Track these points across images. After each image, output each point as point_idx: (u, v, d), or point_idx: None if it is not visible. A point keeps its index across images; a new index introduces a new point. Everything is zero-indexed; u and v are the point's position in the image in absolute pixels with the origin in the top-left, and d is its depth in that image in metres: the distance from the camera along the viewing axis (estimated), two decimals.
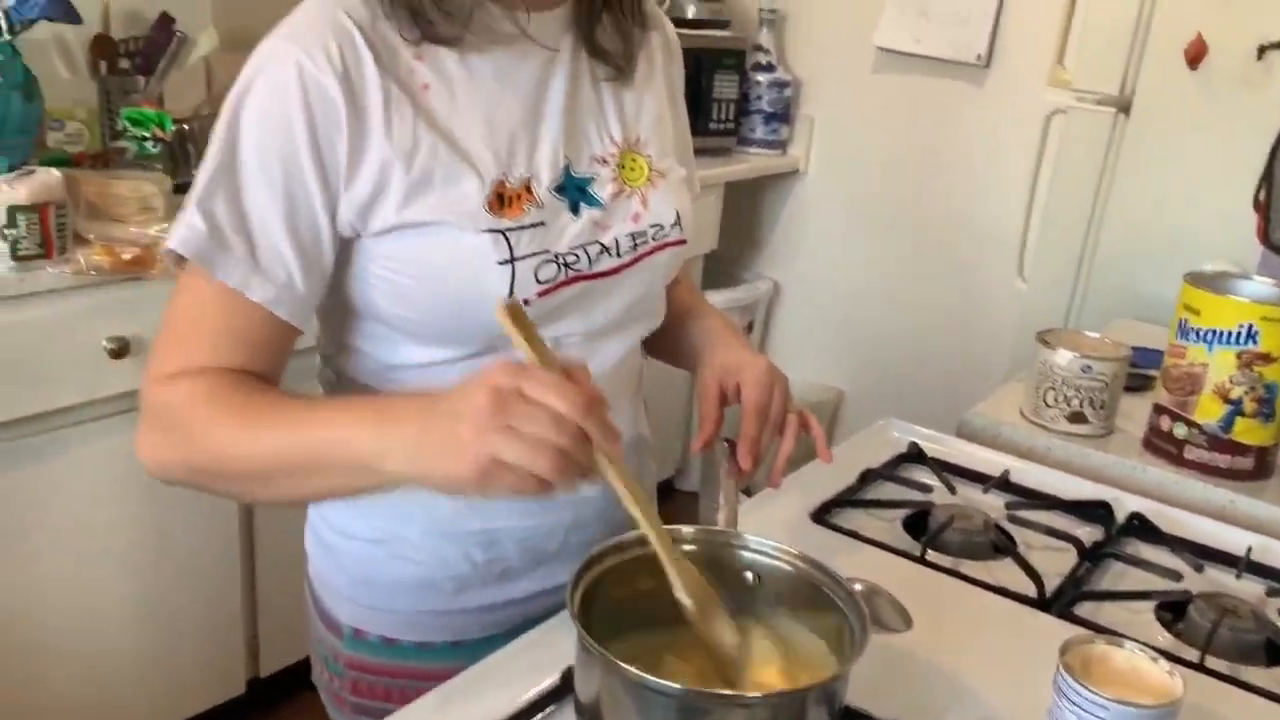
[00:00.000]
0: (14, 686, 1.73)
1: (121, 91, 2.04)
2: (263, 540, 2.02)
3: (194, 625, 1.97)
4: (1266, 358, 1.26)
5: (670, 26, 1.06)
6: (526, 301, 0.86)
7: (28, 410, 1.64)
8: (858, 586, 0.90)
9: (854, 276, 3.10)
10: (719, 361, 1.04)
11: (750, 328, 3.21)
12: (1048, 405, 1.40)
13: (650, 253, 0.95)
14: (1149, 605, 1.04)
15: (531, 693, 0.82)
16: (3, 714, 1.73)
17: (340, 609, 1.01)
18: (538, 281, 0.87)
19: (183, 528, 1.89)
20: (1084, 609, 1.02)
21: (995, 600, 1.02)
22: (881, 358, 3.10)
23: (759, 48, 3.02)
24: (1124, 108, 2.06)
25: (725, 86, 2.92)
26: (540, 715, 0.81)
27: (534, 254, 0.87)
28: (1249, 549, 1.14)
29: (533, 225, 0.87)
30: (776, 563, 0.83)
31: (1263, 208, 1.84)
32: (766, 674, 0.79)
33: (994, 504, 1.21)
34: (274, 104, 0.81)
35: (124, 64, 2.07)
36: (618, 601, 0.79)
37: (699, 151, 1.12)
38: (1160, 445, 1.36)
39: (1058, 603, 1.02)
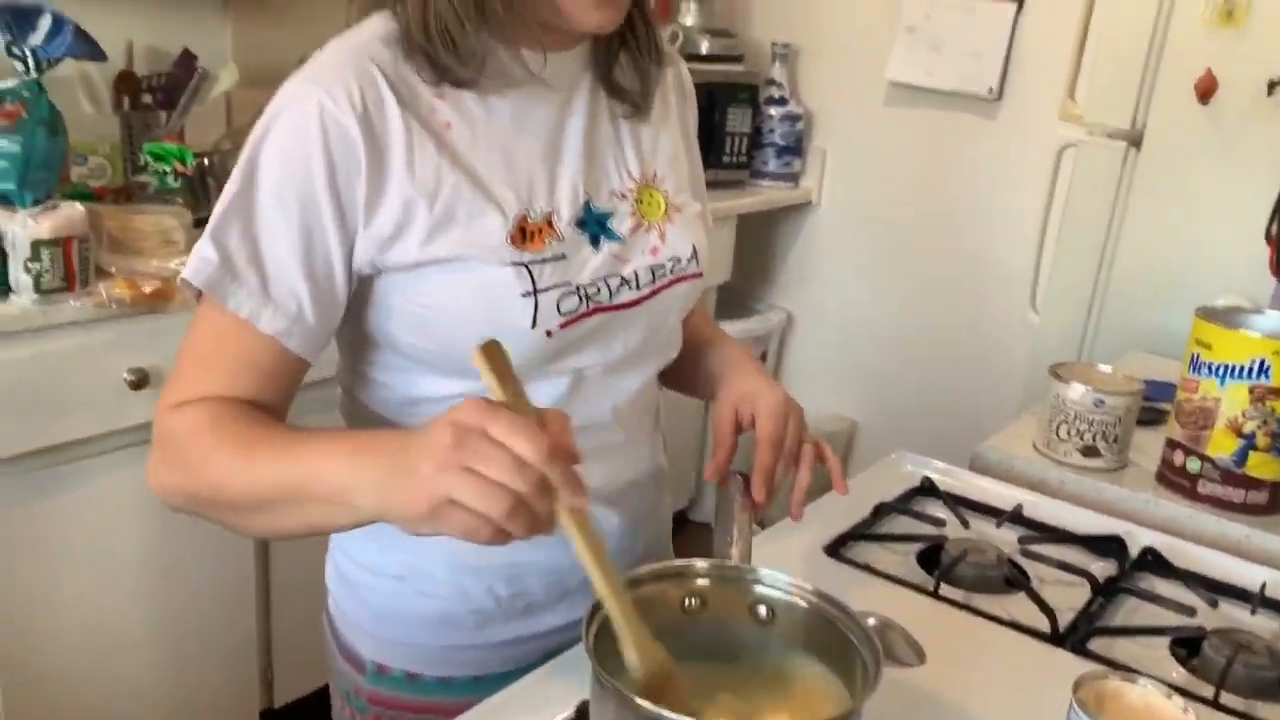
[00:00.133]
0: (30, 713, 1.74)
1: (144, 126, 2.07)
2: (278, 572, 2.03)
3: (208, 656, 1.97)
4: (1279, 392, 1.26)
5: (684, 67, 1.08)
6: (549, 333, 0.88)
7: (50, 440, 1.66)
8: (871, 621, 0.91)
9: (867, 307, 3.11)
10: (735, 389, 1.04)
11: (764, 358, 3.22)
12: (1060, 439, 1.41)
13: (668, 285, 0.97)
14: (1163, 641, 1.04)
15: None
16: None
17: (362, 644, 1.02)
18: (560, 313, 0.88)
19: (198, 558, 1.90)
20: (1097, 644, 1.02)
21: (1008, 635, 1.02)
22: (895, 389, 3.10)
23: (772, 81, 3.05)
24: (1135, 142, 2.08)
25: (738, 120, 2.95)
26: None
27: (556, 286, 0.88)
28: (1263, 584, 1.14)
29: (554, 258, 0.88)
30: (789, 597, 0.84)
31: (1275, 241, 1.84)
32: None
33: (1007, 538, 1.21)
34: (294, 142, 0.83)
35: (146, 99, 2.11)
36: None
37: (712, 184, 1.14)
38: (1174, 479, 1.36)
39: (1071, 638, 1.02)
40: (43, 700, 1.75)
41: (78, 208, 1.66)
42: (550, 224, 0.89)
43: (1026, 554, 1.18)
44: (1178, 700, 0.77)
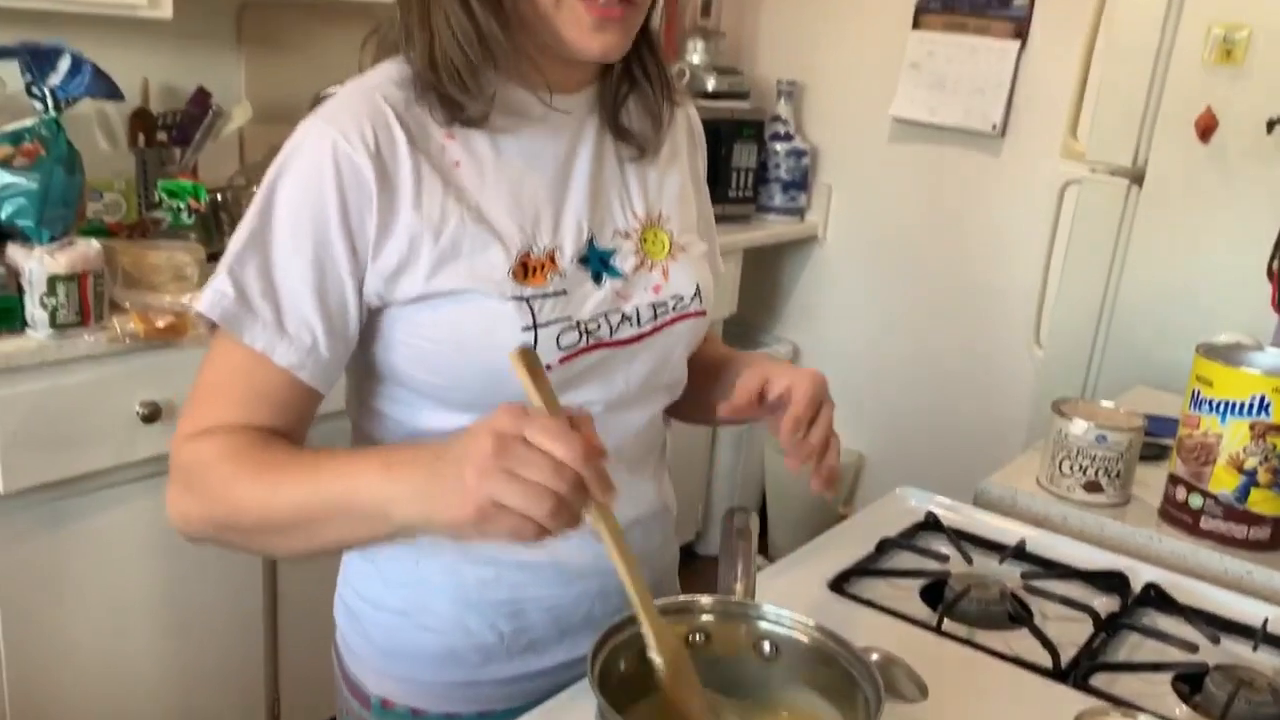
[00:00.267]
0: None
1: (158, 163, 2.11)
2: (286, 605, 2.04)
3: (217, 687, 1.98)
4: (1279, 429, 1.27)
5: (694, 111, 1.10)
6: (549, 367, 0.89)
7: (63, 473, 1.68)
8: (874, 656, 0.92)
9: (872, 341, 3.13)
10: (768, 366, 1.00)
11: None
12: (1064, 474, 1.42)
13: (670, 323, 0.98)
14: (1165, 677, 1.05)
15: None
16: None
17: (367, 679, 1.03)
18: (559, 347, 0.90)
19: (208, 590, 1.91)
20: (1100, 680, 1.03)
21: (1011, 670, 1.03)
22: (901, 422, 3.11)
23: (777, 118, 3.09)
24: (1137, 179, 2.10)
25: (744, 155, 2.98)
26: None
27: (556, 320, 0.90)
28: (1265, 620, 1.14)
29: (556, 293, 0.90)
30: (792, 633, 0.85)
31: (1276, 277, 1.86)
32: None
33: (1010, 573, 1.22)
34: (309, 179, 0.85)
35: (161, 136, 2.14)
36: (639, 671, 0.80)
37: (719, 219, 1.15)
38: (1176, 515, 1.36)
39: (1073, 673, 1.02)
40: None
41: (93, 244, 1.69)
42: (553, 260, 0.91)
43: (1029, 589, 1.18)
44: None
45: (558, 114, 0.94)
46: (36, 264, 1.62)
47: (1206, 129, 1.98)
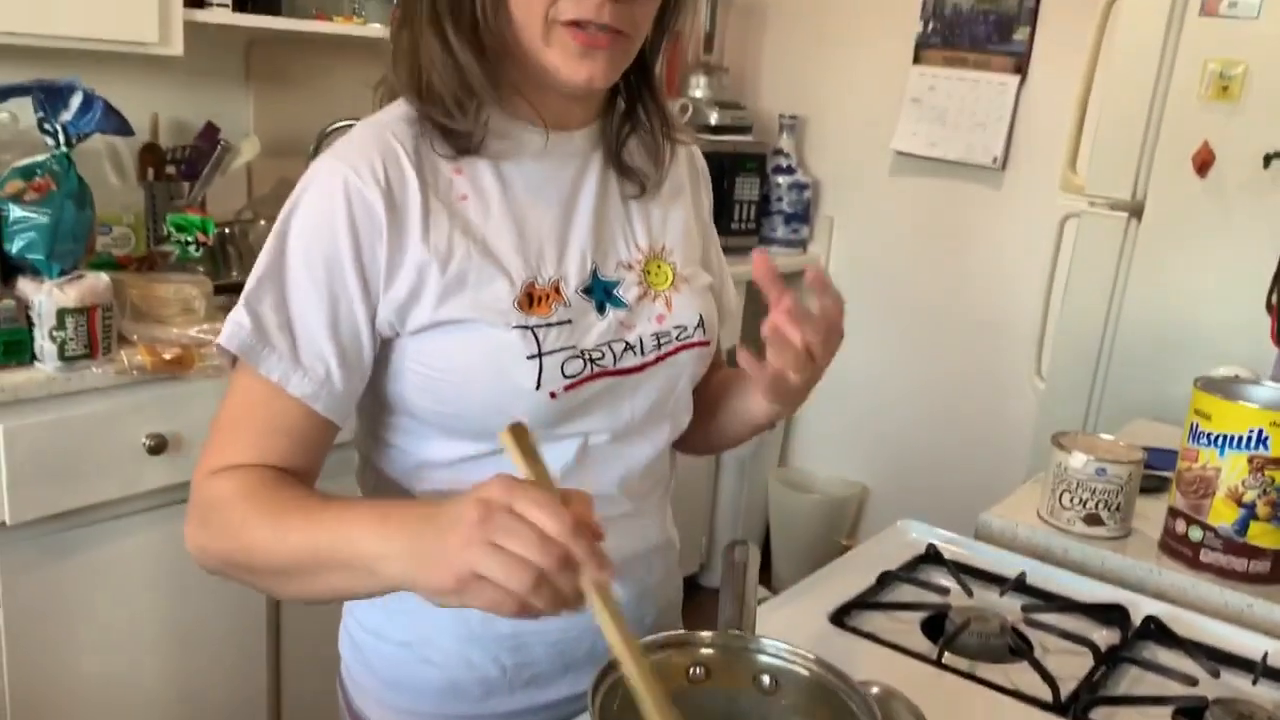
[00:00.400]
0: None
1: (167, 197, 2.14)
2: (289, 637, 2.04)
3: (221, 718, 1.98)
4: (1278, 462, 1.28)
5: (698, 151, 1.12)
6: (553, 394, 0.91)
7: (69, 505, 1.70)
8: (874, 690, 0.92)
9: (874, 372, 3.14)
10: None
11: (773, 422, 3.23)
12: (1064, 507, 1.42)
13: (674, 352, 0.99)
14: (1165, 710, 1.05)
15: None
16: None
17: (370, 710, 1.03)
18: (564, 375, 0.91)
19: (213, 622, 1.92)
20: (1100, 714, 1.03)
21: (1011, 704, 1.03)
22: (903, 453, 3.11)
23: (779, 151, 3.12)
24: (1136, 212, 2.11)
25: (747, 188, 3.01)
26: None
27: (561, 349, 0.91)
28: (1265, 654, 1.14)
29: (560, 323, 0.92)
30: (793, 667, 0.86)
31: (1275, 310, 1.87)
32: None
33: (1011, 606, 1.22)
34: (322, 214, 0.88)
35: (170, 170, 2.17)
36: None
37: (722, 250, 1.17)
38: (1176, 548, 1.37)
39: (1073, 707, 1.02)
40: None
41: (102, 278, 1.71)
42: (557, 290, 0.93)
43: (1030, 622, 1.19)
44: None
45: (562, 150, 0.96)
46: (46, 297, 1.64)
47: (1204, 164, 2.00)
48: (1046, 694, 1.04)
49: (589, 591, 0.71)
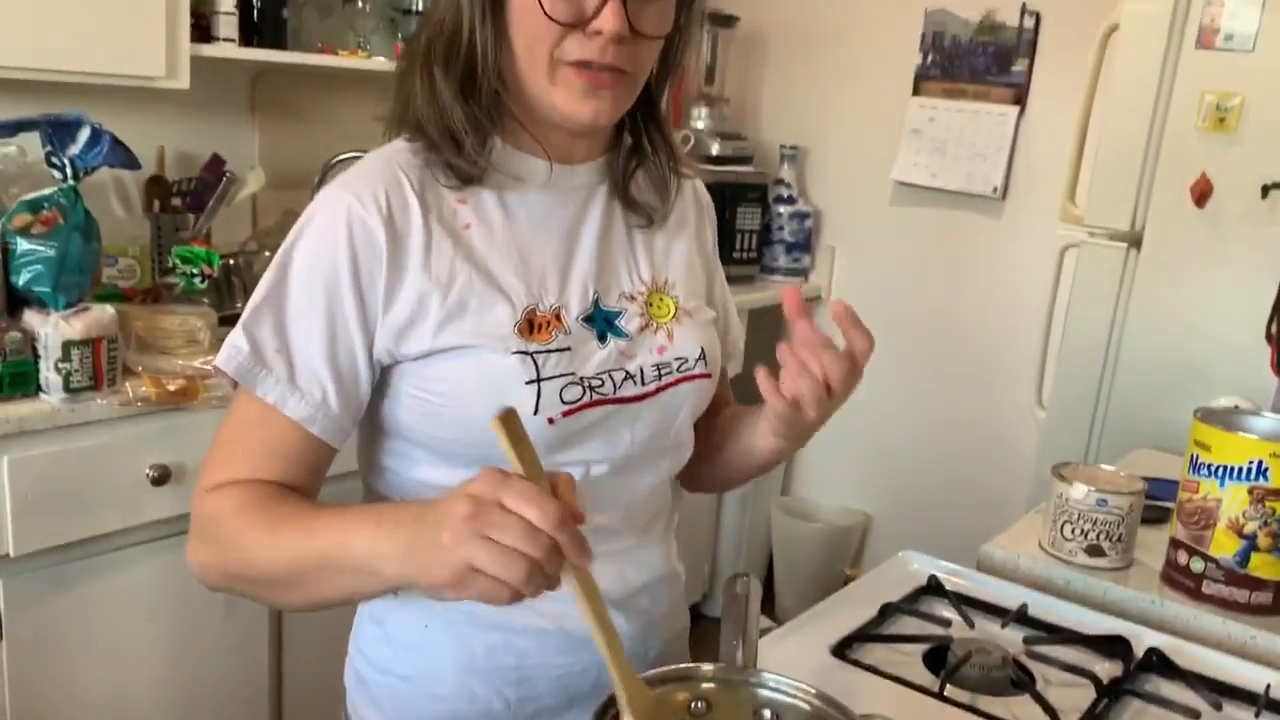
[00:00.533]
0: None
1: (172, 229, 2.15)
2: (291, 669, 2.04)
3: None
4: (1279, 493, 1.28)
5: (702, 186, 1.13)
6: (551, 420, 0.91)
7: (73, 536, 1.70)
8: None
9: (876, 401, 3.13)
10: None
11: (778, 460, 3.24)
12: (1065, 538, 1.42)
13: (674, 383, 1.00)
14: None
15: None
16: None
17: None
18: (563, 401, 0.92)
19: (215, 653, 1.91)
20: None
21: None
22: (907, 482, 3.11)
23: (780, 181, 3.14)
24: (1135, 243, 2.12)
25: (748, 218, 3.03)
26: None
27: (560, 375, 0.92)
28: (1268, 686, 1.14)
29: (560, 350, 0.93)
30: (794, 701, 0.86)
31: (1275, 340, 1.87)
32: None
33: (1012, 638, 1.22)
34: (324, 240, 0.89)
35: (176, 202, 2.19)
36: None
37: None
38: (1178, 579, 1.37)
39: None
40: None
41: (108, 310, 1.72)
42: (558, 318, 0.94)
43: (1032, 655, 1.19)
44: None
45: (567, 182, 0.98)
46: (52, 329, 1.65)
47: (1202, 194, 2.01)
48: None
49: (569, 577, 0.74)
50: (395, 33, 2.50)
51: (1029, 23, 2.78)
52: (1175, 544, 1.38)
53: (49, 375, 1.65)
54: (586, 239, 0.98)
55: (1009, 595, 1.33)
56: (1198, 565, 1.34)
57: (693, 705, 0.85)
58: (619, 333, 0.97)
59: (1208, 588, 1.33)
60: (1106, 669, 1.17)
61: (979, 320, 2.92)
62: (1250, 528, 1.30)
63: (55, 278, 1.66)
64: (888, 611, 1.26)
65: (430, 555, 0.74)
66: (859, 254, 3.16)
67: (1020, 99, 2.81)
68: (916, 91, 2.96)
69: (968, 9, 2.86)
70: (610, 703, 0.81)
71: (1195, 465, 1.33)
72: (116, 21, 1.87)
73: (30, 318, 1.69)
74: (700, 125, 3.07)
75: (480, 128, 0.92)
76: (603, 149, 1.01)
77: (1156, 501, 1.50)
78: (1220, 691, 1.14)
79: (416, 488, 0.97)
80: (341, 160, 2.28)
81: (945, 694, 1.09)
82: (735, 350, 1.13)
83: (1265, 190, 1.95)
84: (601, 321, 0.97)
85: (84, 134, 1.71)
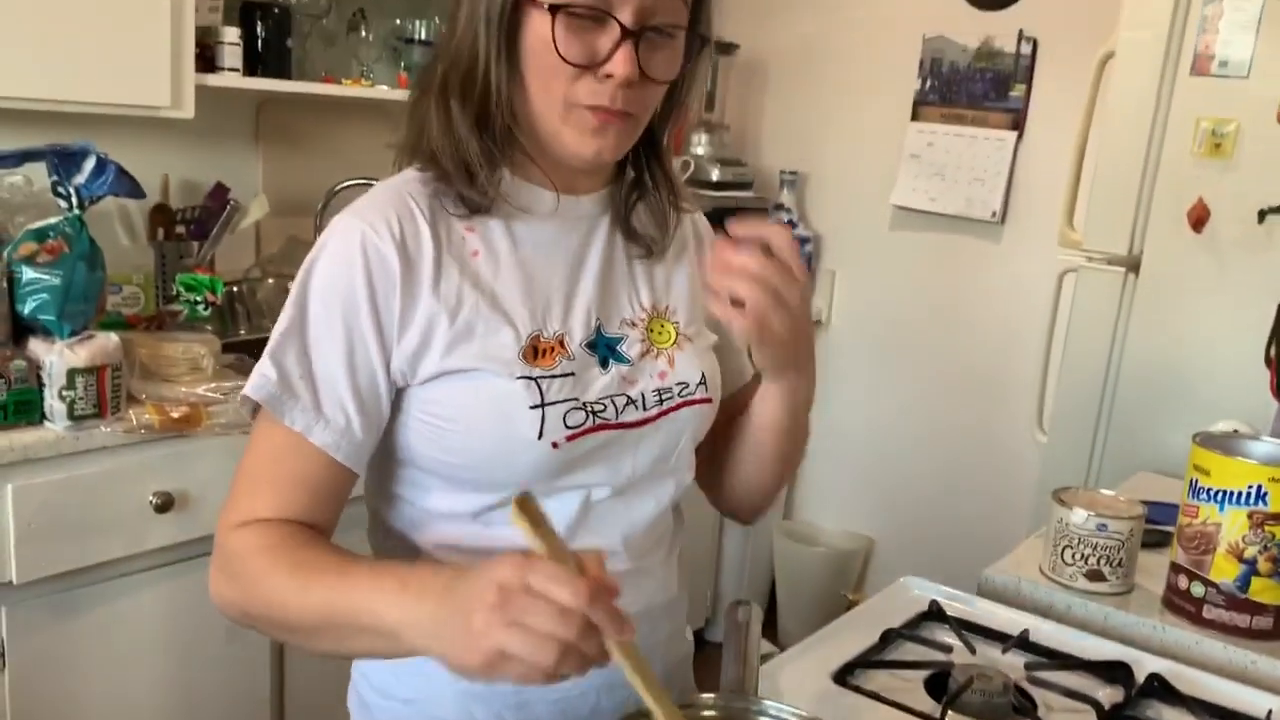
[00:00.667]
0: None
1: (176, 256, 2.16)
2: (293, 697, 2.03)
3: None
4: (1278, 518, 1.28)
5: (701, 217, 1.15)
6: (555, 444, 0.92)
7: (77, 563, 1.71)
8: None
9: (877, 426, 3.15)
10: None
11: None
12: (1066, 563, 1.43)
13: (675, 408, 1.01)
14: None
15: None
16: None
17: None
18: (566, 426, 0.93)
19: (217, 681, 1.91)
20: None
21: None
22: (908, 506, 3.11)
23: (780, 206, 3.15)
24: (1133, 267, 2.13)
25: None
26: None
27: (564, 400, 0.93)
28: (1270, 711, 1.14)
29: (563, 375, 0.94)
30: None
31: (1274, 363, 1.88)
32: None
33: (1014, 664, 1.22)
34: (339, 268, 0.91)
35: (180, 230, 2.20)
36: None
37: None
38: (1179, 604, 1.37)
39: None
40: None
41: (112, 338, 1.73)
42: (562, 344, 0.96)
43: (1033, 680, 1.19)
44: None
45: (572, 212, 1.00)
46: (56, 358, 1.66)
47: (1199, 219, 2.02)
48: None
49: (613, 650, 0.73)
50: (398, 62, 2.52)
51: (1026, 49, 2.80)
52: (1176, 569, 1.38)
53: (53, 403, 1.66)
54: (590, 267, 1.00)
55: (1010, 621, 1.33)
56: (1198, 590, 1.34)
57: None
58: (621, 358, 0.99)
59: (1208, 612, 1.34)
60: (1108, 695, 1.17)
61: (979, 344, 2.93)
62: (1250, 552, 1.30)
63: (60, 306, 1.68)
64: (889, 637, 1.26)
65: (461, 640, 0.74)
66: (859, 278, 3.17)
67: (1018, 124, 2.83)
68: (915, 117, 2.99)
69: (965, 35, 2.89)
70: None
71: (1195, 490, 1.34)
72: (122, 52, 1.90)
73: (35, 346, 1.70)
74: (700, 151, 3.09)
75: (493, 160, 0.94)
76: (606, 181, 1.03)
77: (1157, 526, 1.51)
78: (1221, 717, 1.14)
79: (425, 515, 0.98)
80: (345, 188, 2.29)
81: None
82: (739, 376, 1.14)
83: (1262, 215, 1.97)
84: (604, 347, 0.98)
85: (89, 163, 1.73)
